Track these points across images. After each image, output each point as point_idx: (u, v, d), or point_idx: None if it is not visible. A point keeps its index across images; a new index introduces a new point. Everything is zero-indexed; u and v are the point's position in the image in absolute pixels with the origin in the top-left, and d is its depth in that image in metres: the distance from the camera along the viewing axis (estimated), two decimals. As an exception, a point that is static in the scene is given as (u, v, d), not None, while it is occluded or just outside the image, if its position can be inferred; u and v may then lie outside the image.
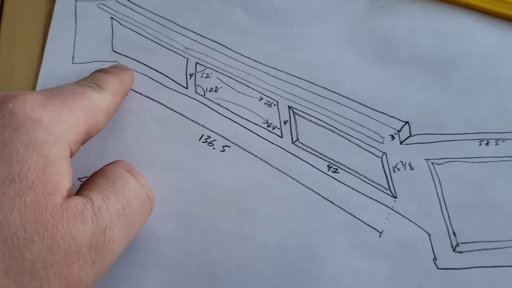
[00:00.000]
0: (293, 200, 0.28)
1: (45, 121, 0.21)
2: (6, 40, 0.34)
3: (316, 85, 0.32)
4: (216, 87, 0.32)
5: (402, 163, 0.29)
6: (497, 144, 0.29)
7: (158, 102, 0.31)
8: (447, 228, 0.27)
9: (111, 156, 0.29)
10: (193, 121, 0.30)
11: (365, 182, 0.28)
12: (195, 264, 0.26)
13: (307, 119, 0.30)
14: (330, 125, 0.30)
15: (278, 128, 0.30)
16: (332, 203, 0.27)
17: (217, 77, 0.32)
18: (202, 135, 0.30)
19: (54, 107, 0.22)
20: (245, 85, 0.32)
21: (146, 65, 0.33)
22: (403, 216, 0.27)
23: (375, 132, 0.30)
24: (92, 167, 0.28)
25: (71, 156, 0.22)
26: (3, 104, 0.21)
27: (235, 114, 0.31)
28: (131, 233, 0.22)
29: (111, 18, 0.35)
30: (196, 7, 0.35)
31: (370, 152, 0.29)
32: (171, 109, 0.31)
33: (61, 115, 0.22)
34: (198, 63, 0.33)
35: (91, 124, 0.24)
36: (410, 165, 0.29)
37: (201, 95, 0.31)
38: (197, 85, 0.32)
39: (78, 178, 0.28)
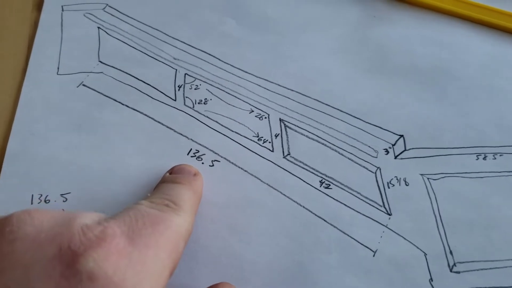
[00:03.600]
0: (284, 217, 0.27)
1: (129, 285, 0.18)
2: (-11, 51, 0.33)
3: (309, 97, 0.31)
4: (206, 99, 0.31)
5: (396, 179, 0.28)
6: (495, 158, 0.28)
7: (145, 114, 0.30)
8: (444, 247, 0.26)
9: (95, 171, 0.28)
10: (181, 134, 0.29)
11: (359, 198, 0.27)
12: (182, 285, 0.25)
13: (299, 132, 0.29)
14: (323, 139, 0.29)
15: (269, 142, 0.29)
16: (325, 220, 0.26)
17: (206, 89, 0.31)
18: (191, 149, 0.29)
19: (138, 257, 0.19)
20: (236, 97, 0.31)
21: (133, 76, 0.32)
22: (398, 234, 0.26)
23: (369, 146, 0.29)
24: (75, 183, 0.27)
25: None
26: (79, 259, 0.18)
27: (224, 127, 0.30)
28: None
29: (98, 27, 0.34)
30: (186, 16, 0.34)
31: (364, 167, 0.28)
32: (159, 122, 0.30)
33: (146, 267, 0.19)
34: (187, 74, 0.32)
35: (174, 260, 0.21)
36: (405, 181, 0.28)
37: (190, 108, 0.30)
38: (186, 97, 0.31)
39: (61, 194, 0.27)
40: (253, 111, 0.30)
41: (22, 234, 0.18)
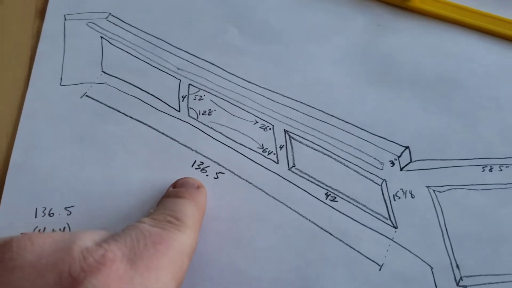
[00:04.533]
0: (290, 231, 0.26)
1: None
2: (-9, 61, 0.33)
3: (313, 107, 0.30)
4: (210, 110, 0.31)
5: (402, 191, 0.28)
6: (501, 170, 0.28)
7: (149, 126, 0.30)
8: (450, 261, 0.25)
9: (99, 184, 0.28)
10: (185, 146, 0.29)
11: (365, 211, 0.27)
12: (187, 300, 0.25)
13: (304, 144, 0.29)
14: (328, 151, 0.29)
15: (274, 154, 0.29)
16: (331, 234, 0.26)
17: (210, 100, 0.31)
18: (195, 161, 0.29)
19: (140, 281, 0.18)
20: (240, 107, 0.31)
21: (137, 87, 0.31)
22: (404, 248, 0.26)
23: (375, 158, 0.29)
24: (78, 196, 0.27)
25: None
26: (79, 286, 0.17)
27: (229, 138, 0.30)
28: None
29: (101, 37, 0.33)
30: (189, 25, 0.34)
31: (370, 179, 0.28)
32: (163, 134, 0.30)
33: None
34: (191, 85, 0.32)
35: (178, 279, 0.21)
36: (411, 193, 0.27)
37: (194, 119, 0.30)
38: (190, 107, 0.31)
39: (65, 208, 0.27)
40: (257, 122, 0.30)
41: (22, 261, 0.18)
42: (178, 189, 0.26)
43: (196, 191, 0.26)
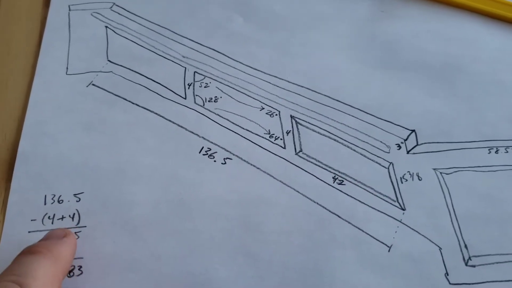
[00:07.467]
0: (298, 215, 0.26)
1: None
2: (1, 49, 0.32)
3: (319, 93, 0.31)
4: (216, 96, 0.31)
5: (409, 174, 0.28)
6: (507, 151, 0.28)
7: (156, 113, 0.30)
8: (459, 241, 0.26)
9: (107, 171, 0.28)
10: (192, 132, 0.29)
11: (372, 194, 0.27)
12: (198, 284, 0.25)
13: (310, 129, 0.29)
14: (334, 135, 0.29)
15: (281, 139, 0.29)
16: (339, 216, 0.26)
17: (216, 87, 0.31)
18: (202, 147, 0.29)
19: None
20: (246, 94, 0.31)
21: (143, 75, 0.32)
22: (413, 229, 0.26)
23: (381, 142, 0.29)
24: (87, 183, 0.27)
25: None
26: None
27: (236, 124, 0.30)
28: None
29: (106, 27, 0.34)
30: (193, 14, 0.34)
31: (377, 162, 0.28)
32: (170, 121, 0.30)
33: None
34: (197, 72, 0.32)
35: None
36: (418, 175, 0.28)
37: (200, 106, 0.30)
38: (196, 95, 0.31)
39: (74, 194, 0.27)
40: (263, 108, 0.30)
41: None
42: (33, 244, 0.23)
43: (56, 242, 0.23)
